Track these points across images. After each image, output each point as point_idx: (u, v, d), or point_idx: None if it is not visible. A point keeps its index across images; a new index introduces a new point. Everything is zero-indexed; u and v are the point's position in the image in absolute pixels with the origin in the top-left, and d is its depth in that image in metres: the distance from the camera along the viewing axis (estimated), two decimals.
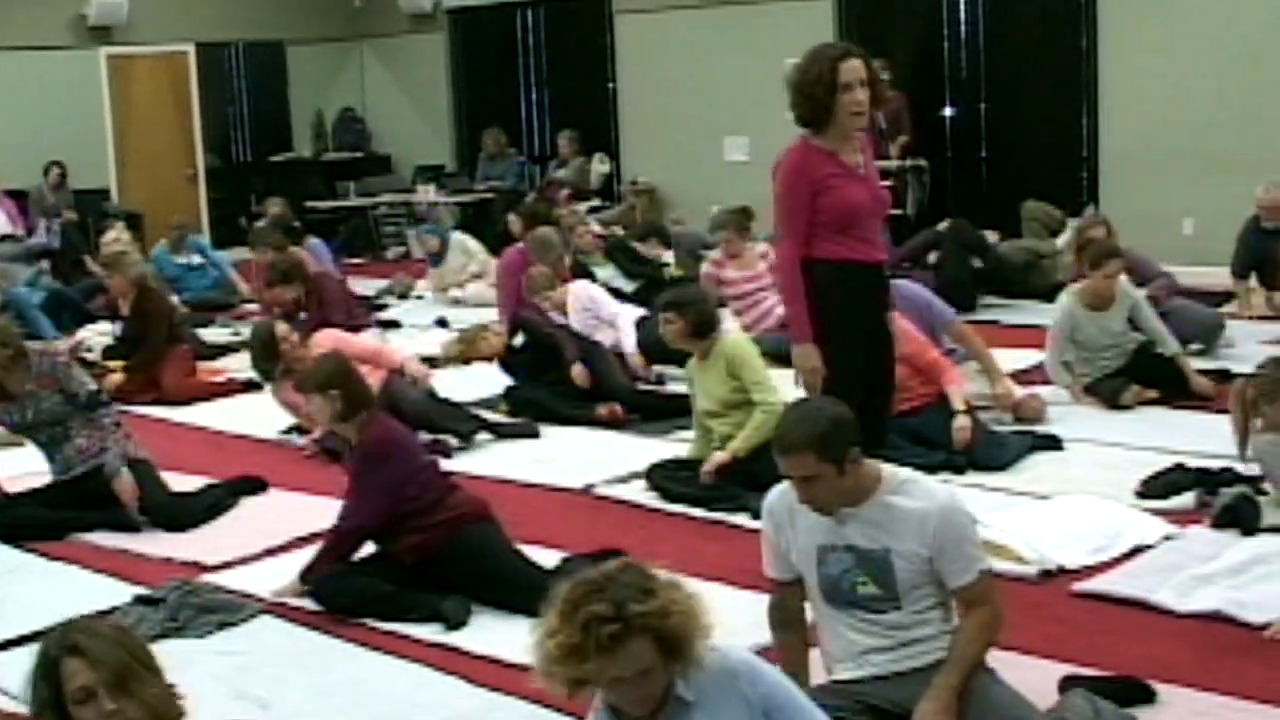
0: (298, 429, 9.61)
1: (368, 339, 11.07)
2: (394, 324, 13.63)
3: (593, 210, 17.86)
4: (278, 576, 6.81)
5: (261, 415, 10.20)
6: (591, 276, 12.80)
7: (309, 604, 6.49)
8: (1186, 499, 7.22)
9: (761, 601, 5.14)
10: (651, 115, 18.89)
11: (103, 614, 6.48)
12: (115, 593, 6.77)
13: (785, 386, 8.24)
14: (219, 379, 11.67)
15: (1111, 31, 14.95)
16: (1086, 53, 15.26)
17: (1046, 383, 9.60)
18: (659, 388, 10.40)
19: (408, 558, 6.47)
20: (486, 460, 8.95)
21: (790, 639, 5.00)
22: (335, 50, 21.83)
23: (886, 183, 15.32)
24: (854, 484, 4.68)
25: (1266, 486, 6.99)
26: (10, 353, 7.86)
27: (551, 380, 10.14)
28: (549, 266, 11.44)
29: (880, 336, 6.31)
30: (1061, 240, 13.44)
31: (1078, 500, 7.13)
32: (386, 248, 19.77)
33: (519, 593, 6.01)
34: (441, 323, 13.75)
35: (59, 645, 3.81)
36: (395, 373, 9.57)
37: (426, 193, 20.05)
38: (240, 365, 11.94)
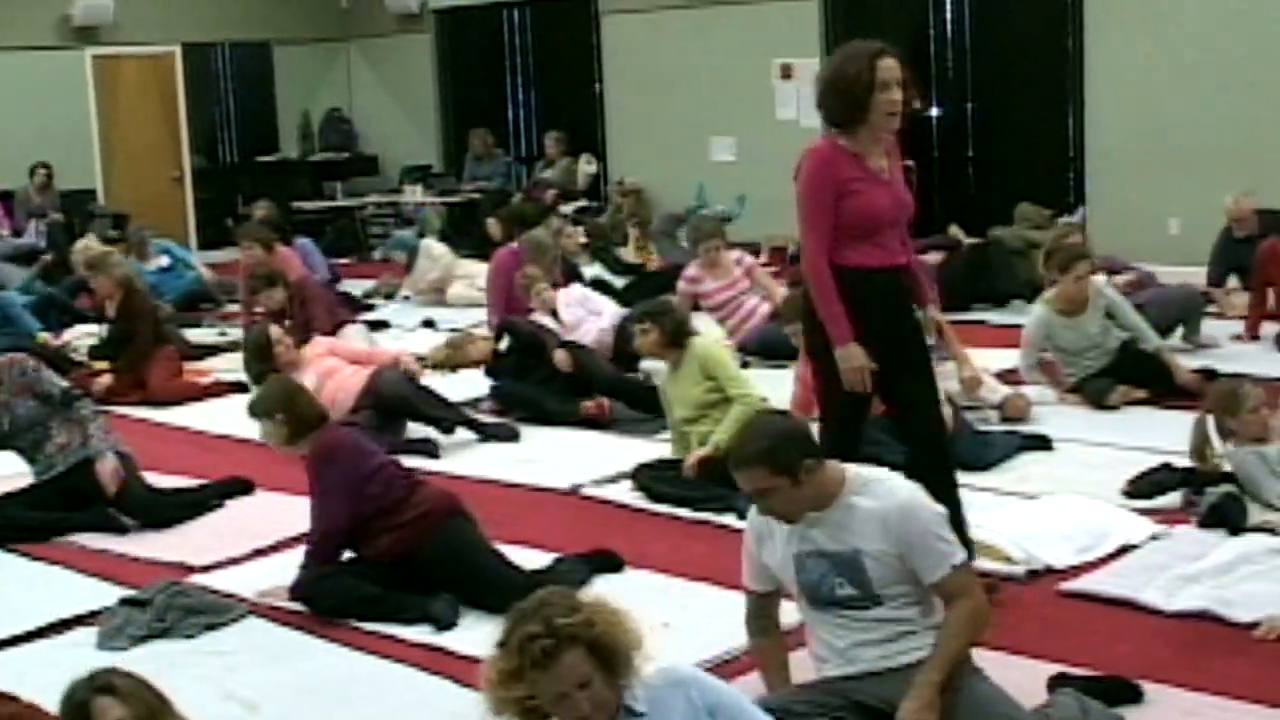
0: None
1: (354, 338, 11.11)
2: (382, 324, 13.62)
3: (581, 210, 17.87)
4: (265, 578, 6.81)
5: (246, 417, 10.18)
6: (580, 275, 12.86)
7: (296, 605, 6.48)
8: (1173, 498, 7.23)
9: None
10: (638, 116, 18.89)
11: (89, 615, 6.51)
12: (102, 594, 6.75)
13: (765, 387, 8.36)
14: (206, 380, 11.66)
15: (1099, 32, 14.96)
16: (1073, 53, 15.27)
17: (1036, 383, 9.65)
18: (641, 379, 10.39)
19: (386, 559, 6.46)
20: (472, 461, 8.95)
21: (768, 644, 5.06)
22: (322, 51, 21.81)
23: None
24: (815, 492, 4.72)
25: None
26: None
27: (539, 379, 10.15)
28: (543, 269, 11.50)
29: (904, 340, 6.04)
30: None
31: (1065, 500, 7.14)
32: (373, 248, 19.75)
33: (496, 594, 6.01)
34: (428, 323, 13.76)
35: (87, 688, 4.01)
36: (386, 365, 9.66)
37: (413, 193, 20.05)
38: (227, 366, 11.96)
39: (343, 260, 18.09)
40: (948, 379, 8.84)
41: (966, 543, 5.88)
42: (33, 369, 8.18)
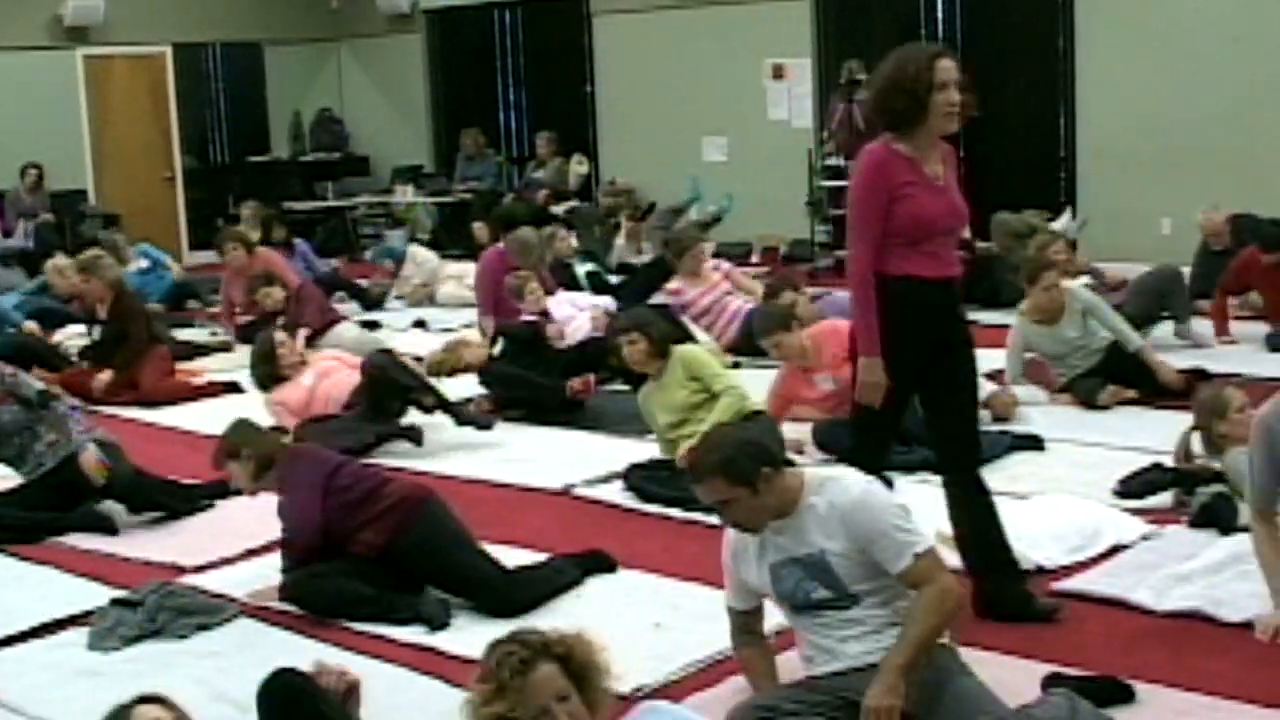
0: (276, 429, 9.62)
1: (345, 335, 11.20)
2: (374, 324, 13.61)
3: (571, 210, 17.87)
4: (256, 578, 6.80)
5: (240, 416, 10.20)
6: (574, 277, 12.91)
7: (287, 606, 6.48)
8: (1164, 498, 7.24)
9: None
10: (630, 116, 18.90)
11: (80, 616, 6.50)
12: (93, 595, 6.74)
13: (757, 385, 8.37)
14: (198, 380, 11.64)
15: (1089, 32, 14.98)
16: (1064, 53, 15.30)
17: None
18: None
19: (372, 554, 6.45)
20: (463, 461, 8.95)
21: (754, 654, 5.12)
22: (313, 51, 21.80)
23: None
24: (776, 500, 4.80)
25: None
26: None
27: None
28: (529, 267, 11.59)
29: (953, 353, 5.89)
30: (1059, 224, 13.54)
31: (1056, 500, 7.14)
32: (365, 249, 19.75)
33: (472, 588, 6.21)
34: (419, 324, 13.77)
35: (130, 700, 4.19)
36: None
37: (404, 193, 20.05)
38: (219, 366, 11.99)
39: (333, 261, 18.08)
40: None
41: (1013, 562, 6.00)
42: (9, 375, 8.24)
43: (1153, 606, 5.93)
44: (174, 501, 8.11)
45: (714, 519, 7.16)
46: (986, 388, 9.20)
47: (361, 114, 21.88)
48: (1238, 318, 11.40)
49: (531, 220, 17.22)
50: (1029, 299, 9.64)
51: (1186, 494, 7.14)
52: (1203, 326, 11.10)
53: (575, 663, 4.09)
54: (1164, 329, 11.14)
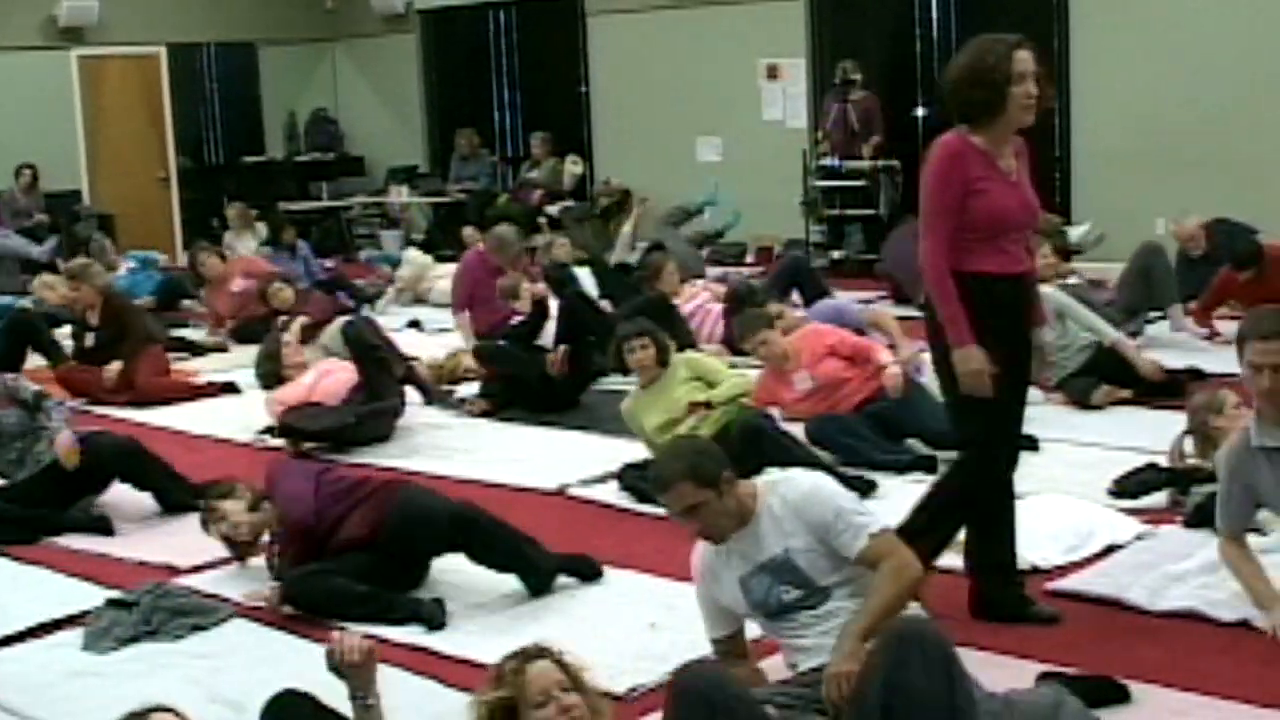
0: (271, 430, 9.64)
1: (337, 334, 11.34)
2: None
3: (565, 211, 17.87)
4: (251, 580, 6.80)
5: (236, 417, 10.22)
6: (572, 280, 12.94)
7: (284, 608, 6.48)
8: (1159, 498, 7.25)
9: None
10: (624, 116, 18.90)
11: (75, 617, 6.50)
12: (88, 596, 6.74)
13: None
14: (194, 379, 11.66)
15: (1084, 32, 14.98)
16: (1059, 53, 15.29)
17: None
18: None
19: (364, 541, 6.52)
20: (458, 461, 8.95)
21: (741, 669, 5.09)
22: (308, 51, 21.80)
23: (859, 182, 15.56)
24: (736, 505, 4.88)
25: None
26: None
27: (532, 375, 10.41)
28: (508, 264, 11.88)
29: (1016, 357, 5.76)
30: (1075, 233, 13.56)
31: (1051, 499, 7.14)
32: (360, 249, 19.75)
33: (470, 536, 6.48)
34: (414, 324, 13.78)
35: (143, 709, 4.20)
36: None
37: (399, 194, 20.05)
38: (215, 366, 12.00)
39: (327, 262, 18.10)
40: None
41: (1015, 565, 5.99)
42: (11, 380, 8.46)
43: (1147, 606, 5.93)
44: (175, 487, 8.15)
45: None
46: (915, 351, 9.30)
47: (356, 114, 21.88)
48: (1233, 317, 11.42)
49: (526, 221, 17.31)
50: None
51: (1181, 494, 7.15)
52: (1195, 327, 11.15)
53: (572, 668, 4.26)
54: (1160, 327, 11.18)
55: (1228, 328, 11.10)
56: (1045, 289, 9.86)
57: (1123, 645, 5.61)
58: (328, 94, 22.04)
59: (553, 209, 18.09)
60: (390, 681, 5.65)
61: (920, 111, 16.93)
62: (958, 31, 16.47)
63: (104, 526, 7.80)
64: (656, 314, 10.36)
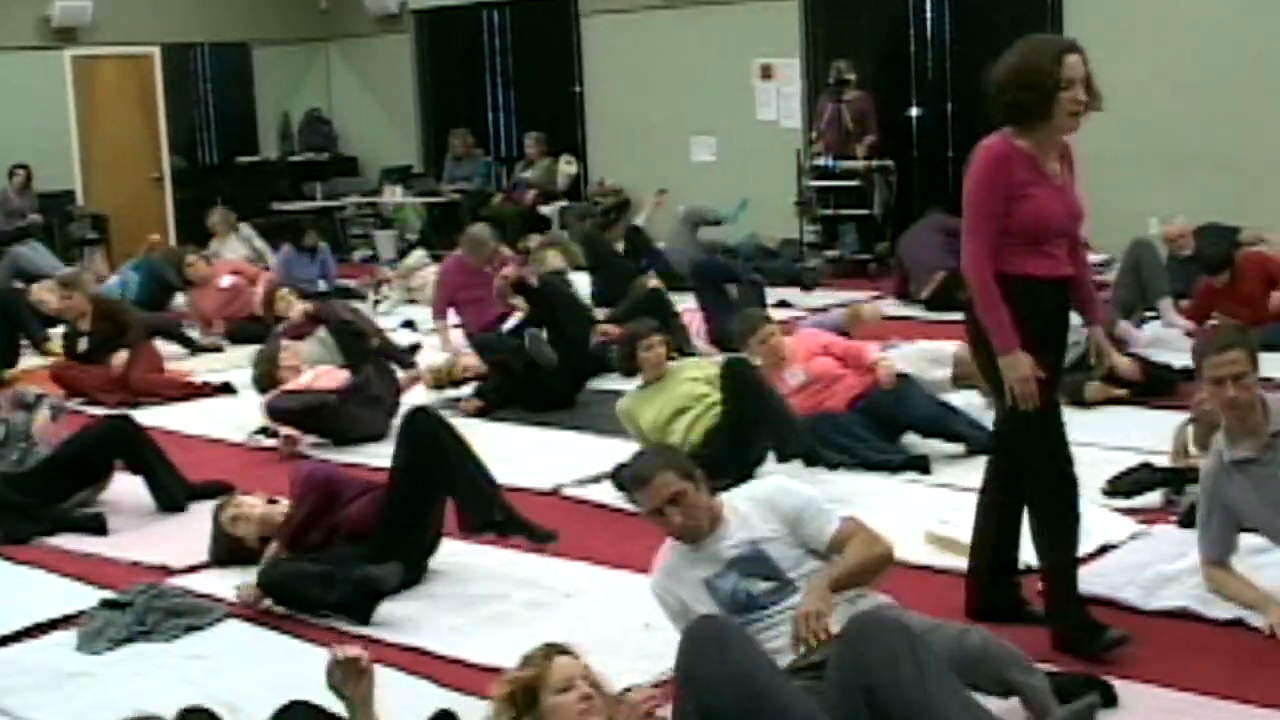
0: (266, 430, 9.66)
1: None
2: None
3: (565, 210, 17.86)
4: (245, 579, 6.80)
5: (231, 419, 10.23)
6: (568, 286, 13.02)
7: (276, 608, 6.48)
8: (1153, 497, 7.25)
9: None
10: (618, 116, 18.90)
11: (69, 618, 6.50)
12: (82, 597, 6.75)
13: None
14: (190, 378, 11.67)
15: (1077, 32, 14.92)
16: None
17: None
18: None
19: (371, 513, 6.82)
20: None
21: None
22: (301, 51, 21.79)
23: (853, 182, 15.55)
24: (708, 501, 5.10)
25: None
26: None
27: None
28: (483, 262, 12.22)
29: (1055, 361, 5.61)
30: None
31: None
32: (353, 249, 19.75)
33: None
34: (408, 324, 13.78)
35: (136, 716, 4.38)
36: None
37: (393, 194, 20.05)
38: (210, 367, 12.01)
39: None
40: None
41: (1016, 568, 5.90)
42: (18, 389, 8.98)
43: (1141, 605, 5.94)
44: (166, 471, 8.29)
45: None
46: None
47: (350, 114, 21.87)
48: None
49: (520, 221, 17.34)
50: None
51: (1175, 493, 7.15)
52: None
53: (594, 671, 4.42)
54: (1155, 326, 11.19)
55: None
56: None
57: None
58: (321, 94, 22.03)
59: (547, 209, 18.07)
60: (384, 682, 5.66)
61: (914, 111, 16.96)
62: (952, 31, 16.50)
63: (98, 525, 7.82)
64: (654, 310, 10.67)
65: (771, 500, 5.09)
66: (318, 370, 10.05)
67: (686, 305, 11.98)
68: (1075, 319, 9.31)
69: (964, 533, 6.39)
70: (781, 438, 7.86)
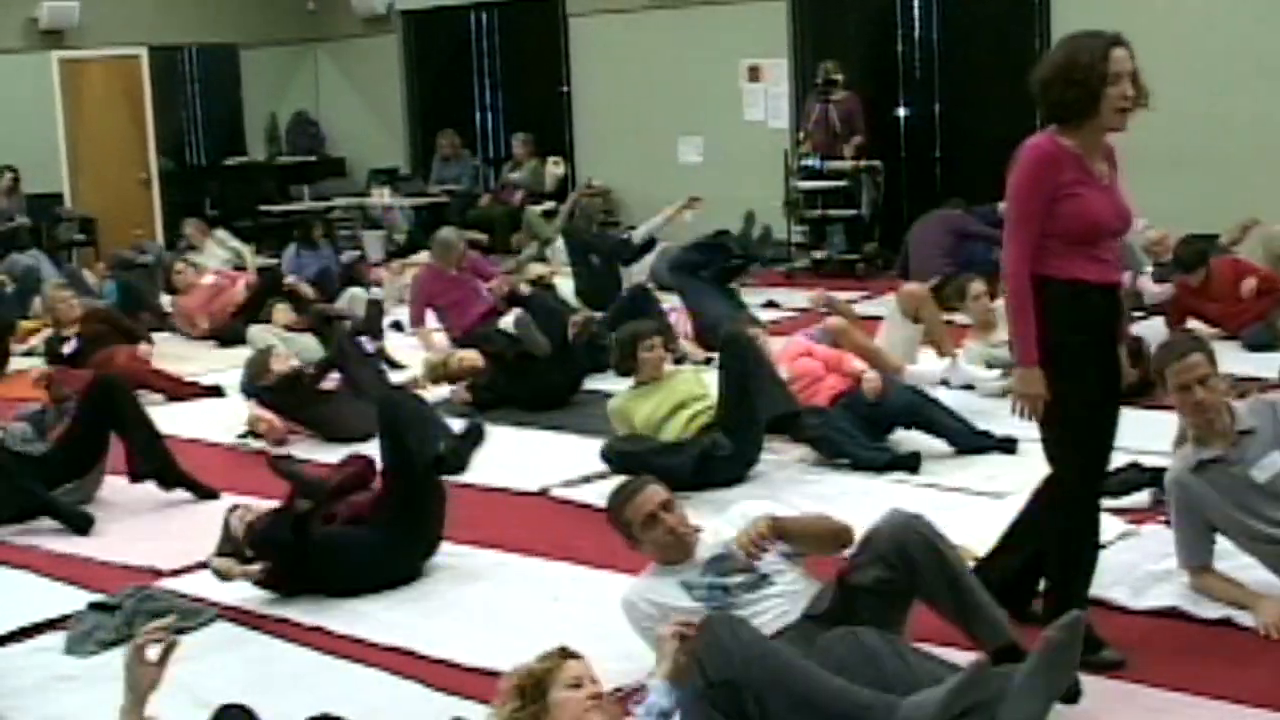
0: (253, 433, 9.66)
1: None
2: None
3: (547, 214, 17.84)
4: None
5: (218, 420, 10.22)
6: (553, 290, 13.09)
7: (266, 610, 6.48)
8: (1142, 497, 7.26)
9: None
10: (605, 117, 18.90)
11: (57, 620, 6.49)
12: (70, 599, 6.74)
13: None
14: (175, 374, 11.69)
15: (1065, 33, 14.97)
16: (1040, 54, 15.23)
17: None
18: None
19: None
20: None
21: None
22: (289, 53, 21.77)
23: (840, 182, 15.55)
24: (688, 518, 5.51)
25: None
26: None
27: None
28: (452, 264, 12.46)
29: (1113, 368, 5.39)
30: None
31: None
32: (341, 250, 19.72)
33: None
34: (397, 326, 13.77)
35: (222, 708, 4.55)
36: None
37: (381, 195, 20.03)
38: (196, 370, 12.00)
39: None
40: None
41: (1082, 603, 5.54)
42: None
43: (1129, 604, 5.95)
44: (146, 438, 8.45)
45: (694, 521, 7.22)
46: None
47: (337, 116, 21.85)
48: None
49: (508, 222, 17.33)
50: (964, 313, 9.96)
51: (1164, 493, 7.14)
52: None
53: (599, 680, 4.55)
54: (1154, 326, 11.20)
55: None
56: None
57: None
58: (309, 96, 22.01)
59: (535, 210, 18.03)
60: (372, 684, 5.67)
61: (902, 112, 16.97)
62: (939, 32, 16.50)
63: (81, 521, 7.84)
64: (639, 309, 10.98)
65: (744, 513, 5.38)
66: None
67: (672, 304, 12.01)
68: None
69: (953, 533, 6.39)
70: (772, 398, 8.05)
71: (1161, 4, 14.39)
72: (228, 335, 13.28)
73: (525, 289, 11.49)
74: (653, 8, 18.18)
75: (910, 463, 8.08)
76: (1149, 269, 11.90)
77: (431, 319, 12.56)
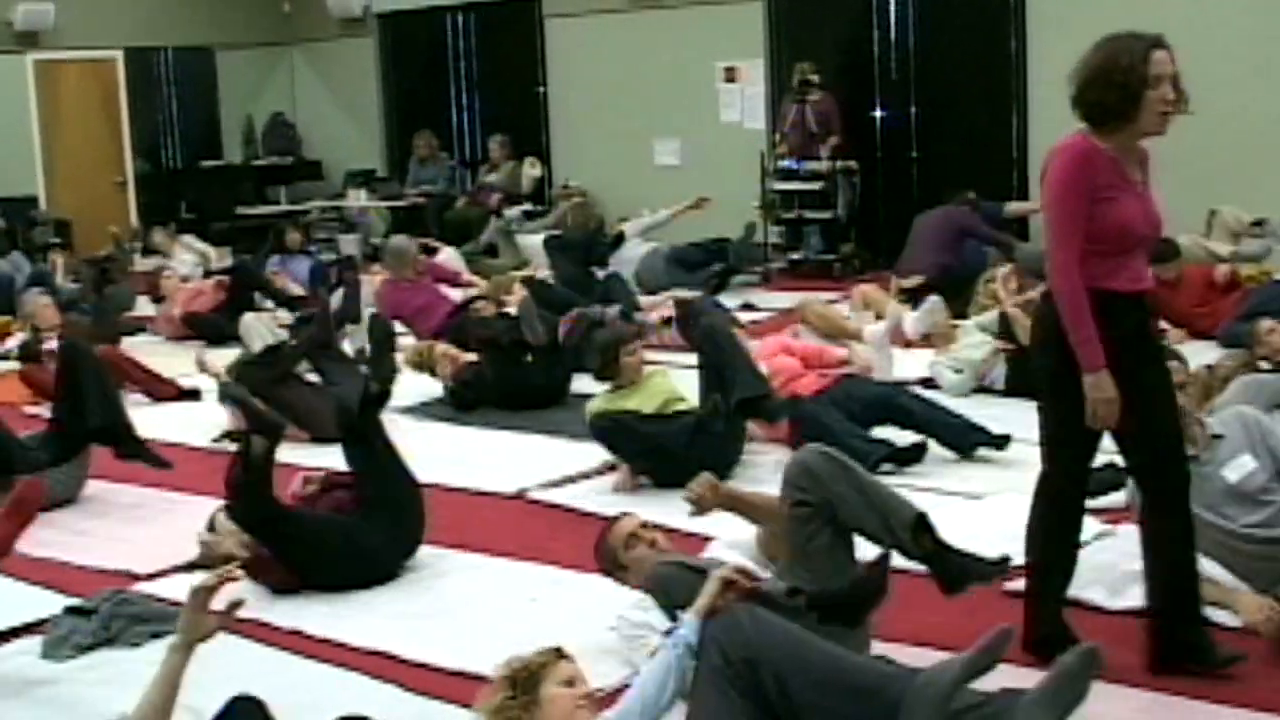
0: (231, 435, 9.63)
1: None
2: None
3: (527, 215, 17.83)
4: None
5: (195, 423, 10.20)
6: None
7: (243, 613, 6.45)
8: (1118, 497, 7.26)
9: None
10: (582, 119, 18.91)
11: (33, 625, 6.47)
12: (46, 603, 6.72)
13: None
14: (157, 373, 11.68)
15: (1041, 34, 15.04)
16: (1016, 55, 15.36)
17: None
18: None
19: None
20: (416, 464, 8.90)
21: None
22: (265, 55, 21.75)
23: (817, 184, 15.57)
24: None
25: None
26: None
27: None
28: (409, 271, 12.79)
29: (1148, 376, 5.26)
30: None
31: (1010, 499, 7.15)
32: (318, 252, 19.70)
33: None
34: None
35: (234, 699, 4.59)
36: None
37: (357, 197, 20.02)
38: (175, 372, 12.00)
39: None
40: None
41: (1199, 617, 5.50)
42: None
43: (1106, 604, 5.97)
44: (102, 408, 8.50)
45: (674, 523, 7.21)
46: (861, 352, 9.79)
47: (313, 118, 21.84)
48: None
49: (485, 224, 17.31)
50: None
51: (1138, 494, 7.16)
52: None
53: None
54: None
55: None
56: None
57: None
58: (285, 98, 21.99)
59: (511, 212, 17.99)
60: (351, 687, 5.66)
61: (878, 113, 16.98)
62: (916, 33, 16.53)
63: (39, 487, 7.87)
64: (611, 294, 11.69)
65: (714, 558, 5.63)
66: None
67: (660, 313, 12.03)
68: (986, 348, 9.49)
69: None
70: (744, 383, 8.09)
71: (1140, 4, 14.42)
72: (208, 331, 13.28)
73: (519, 290, 11.52)
74: (629, 10, 18.19)
75: (907, 455, 8.11)
76: None
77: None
